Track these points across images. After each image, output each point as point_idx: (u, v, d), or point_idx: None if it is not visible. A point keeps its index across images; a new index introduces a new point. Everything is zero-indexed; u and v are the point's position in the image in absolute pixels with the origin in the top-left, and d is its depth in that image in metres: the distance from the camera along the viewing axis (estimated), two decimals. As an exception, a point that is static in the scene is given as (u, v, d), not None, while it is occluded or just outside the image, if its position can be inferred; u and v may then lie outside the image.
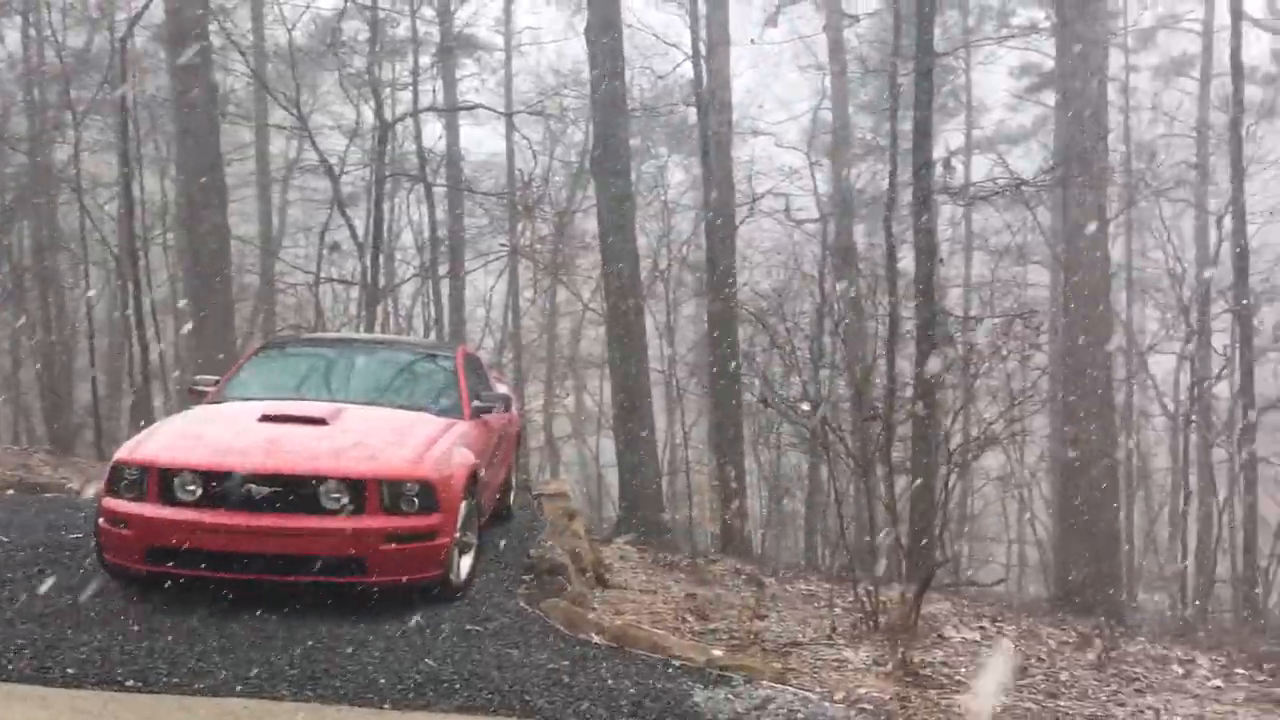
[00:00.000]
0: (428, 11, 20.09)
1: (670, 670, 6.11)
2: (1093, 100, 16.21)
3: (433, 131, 21.63)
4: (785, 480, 22.93)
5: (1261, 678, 10.50)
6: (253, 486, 6.32)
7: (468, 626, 6.45)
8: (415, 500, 6.51)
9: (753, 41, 20.57)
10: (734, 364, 15.58)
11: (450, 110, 20.74)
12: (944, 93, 25.15)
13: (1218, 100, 22.19)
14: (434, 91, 20.84)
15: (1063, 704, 6.65)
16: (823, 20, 20.75)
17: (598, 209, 15.29)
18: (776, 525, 22.91)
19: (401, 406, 7.79)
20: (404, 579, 6.50)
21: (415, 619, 6.38)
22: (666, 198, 23.82)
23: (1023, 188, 17.47)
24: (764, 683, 6.08)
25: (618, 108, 14.65)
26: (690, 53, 17.18)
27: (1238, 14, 17.97)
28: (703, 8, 16.95)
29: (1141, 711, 6.77)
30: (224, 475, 6.34)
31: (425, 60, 20.58)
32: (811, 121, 24.53)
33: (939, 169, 17.70)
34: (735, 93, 18.68)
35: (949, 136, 26.86)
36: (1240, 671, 10.75)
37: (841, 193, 20.15)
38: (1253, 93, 22.29)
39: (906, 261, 14.07)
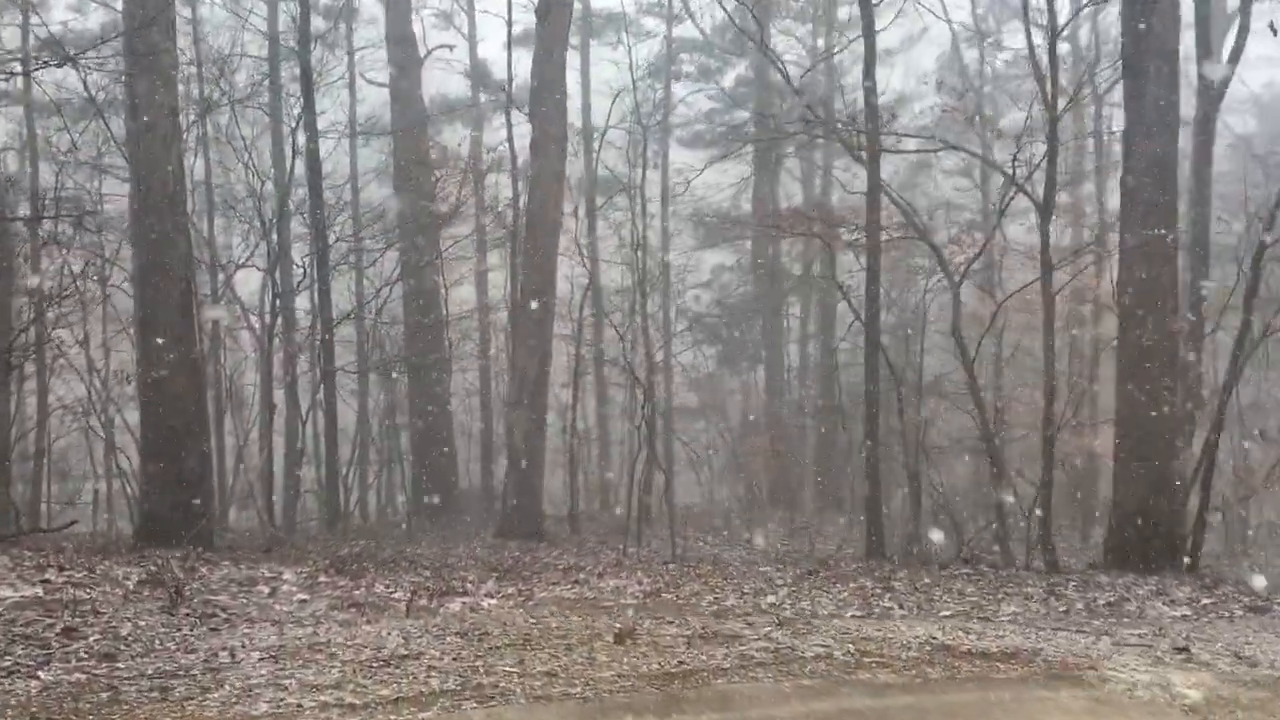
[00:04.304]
0: None
1: None
2: (157, -4, 14.91)
3: None
4: None
5: (344, 582, 10.74)
6: None
7: None
8: None
9: None
10: None
11: None
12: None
13: (287, 18, 22.31)
14: None
15: (121, 666, 5.62)
16: None
17: None
18: None
19: None
20: None
21: None
22: None
23: (89, 83, 15.78)
24: None
25: None
26: None
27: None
28: None
29: (217, 654, 6.04)
30: None
31: None
32: None
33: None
34: None
35: (5, 32, 23.32)
36: (324, 579, 10.90)
37: None
38: (318, 22, 22.97)
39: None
